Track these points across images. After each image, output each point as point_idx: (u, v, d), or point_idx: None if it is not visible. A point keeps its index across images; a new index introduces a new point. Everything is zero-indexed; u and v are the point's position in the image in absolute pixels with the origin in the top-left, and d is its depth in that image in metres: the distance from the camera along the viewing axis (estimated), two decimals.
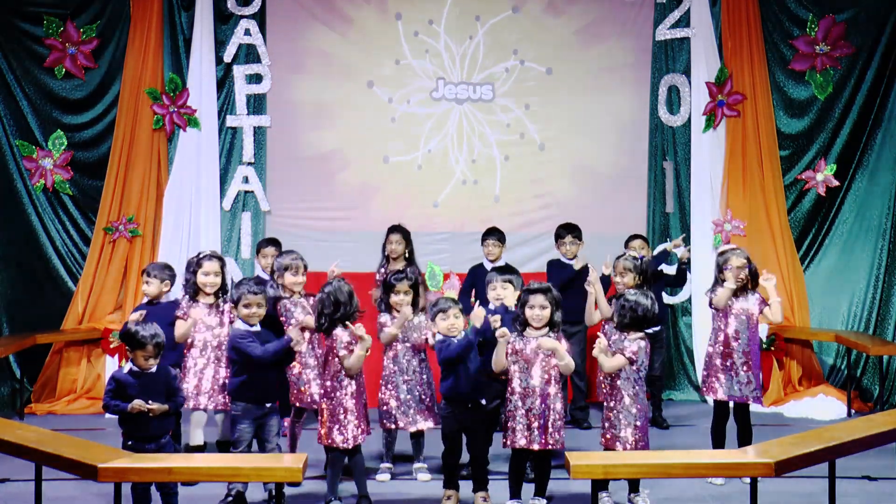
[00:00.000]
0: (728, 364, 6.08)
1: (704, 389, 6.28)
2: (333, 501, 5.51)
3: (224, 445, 6.43)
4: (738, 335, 6.08)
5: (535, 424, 5.36)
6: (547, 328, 5.46)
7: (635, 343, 5.37)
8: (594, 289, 6.32)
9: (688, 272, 8.29)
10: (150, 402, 4.96)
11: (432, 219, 8.81)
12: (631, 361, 5.33)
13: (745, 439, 6.10)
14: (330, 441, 5.50)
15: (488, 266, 7.42)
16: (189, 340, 6.29)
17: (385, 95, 8.87)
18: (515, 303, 5.76)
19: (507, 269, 6.32)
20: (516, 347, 5.45)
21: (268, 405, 5.55)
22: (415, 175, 8.90)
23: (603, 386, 5.55)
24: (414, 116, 8.89)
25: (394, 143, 8.89)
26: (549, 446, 5.38)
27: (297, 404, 6.24)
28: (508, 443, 5.44)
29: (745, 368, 6.07)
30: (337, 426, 5.47)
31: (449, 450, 5.62)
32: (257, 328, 5.60)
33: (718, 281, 6.20)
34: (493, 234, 7.73)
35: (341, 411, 5.48)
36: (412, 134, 8.89)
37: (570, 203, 8.82)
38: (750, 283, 6.13)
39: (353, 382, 5.52)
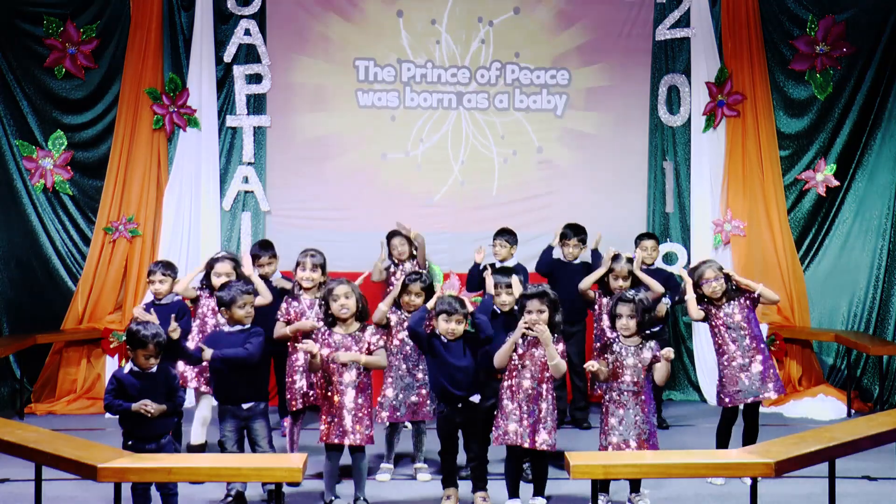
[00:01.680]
0: (740, 369, 6.05)
1: (724, 399, 6.11)
2: (334, 501, 5.51)
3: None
4: (736, 341, 6.06)
5: (525, 423, 5.35)
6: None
7: (657, 344, 5.43)
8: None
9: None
10: (149, 403, 4.96)
11: (432, 218, 8.80)
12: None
13: (750, 437, 6.10)
14: (328, 439, 5.50)
15: (497, 265, 7.46)
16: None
17: (385, 95, 8.87)
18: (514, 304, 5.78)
19: (506, 272, 6.32)
20: (516, 345, 5.44)
21: (246, 406, 5.50)
22: (415, 174, 8.91)
23: (611, 391, 5.46)
24: (414, 116, 8.89)
25: (394, 142, 8.90)
26: (538, 446, 5.37)
27: (292, 407, 6.23)
28: (497, 439, 5.43)
29: (754, 366, 6.03)
30: (335, 424, 5.48)
31: (445, 448, 5.62)
32: (246, 327, 5.59)
33: (700, 296, 6.15)
34: (503, 234, 7.70)
35: (339, 410, 5.48)
36: (413, 133, 8.89)
37: (570, 203, 8.81)
38: (726, 296, 6.09)
39: (352, 382, 5.52)
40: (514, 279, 6.00)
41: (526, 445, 5.37)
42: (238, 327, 5.58)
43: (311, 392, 6.13)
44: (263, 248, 7.19)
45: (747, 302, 6.11)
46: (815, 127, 8.90)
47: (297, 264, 6.33)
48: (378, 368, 5.71)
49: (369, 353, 5.57)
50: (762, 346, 6.11)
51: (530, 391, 5.38)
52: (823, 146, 8.88)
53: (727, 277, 6.11)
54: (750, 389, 6.03)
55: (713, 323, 6.14)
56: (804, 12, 8.82)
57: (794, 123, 8.92)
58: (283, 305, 6.27)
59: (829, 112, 8.86)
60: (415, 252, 7.65)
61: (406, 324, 5.85)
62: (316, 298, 6.24)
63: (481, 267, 7.39)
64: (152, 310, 6.20)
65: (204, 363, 5.67)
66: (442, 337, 5.54)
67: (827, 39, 8.76)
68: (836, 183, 8.82)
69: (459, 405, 5.52)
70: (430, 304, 5.59)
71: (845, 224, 8.85)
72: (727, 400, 6.09)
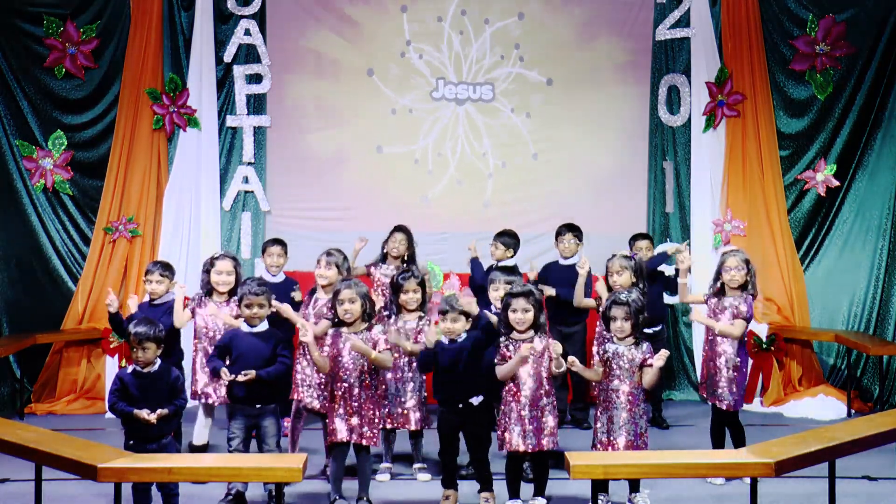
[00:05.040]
0: (711, 368, 6.10)
1: (702, 392, 6.34)
2: (338, 500, 5.51)
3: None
4: (721, 338, 6.07)
5: (529, 427, 5.35)
6: (532, 332, 5.45)
7: (649, 346, 5.45)
8: (584, 272, 6.75)
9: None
10: (149, 411, 4.96)
11: (432, 218, 8.81)
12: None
13: (737, 441, 6.10)
14: (335, 437, 5.50)
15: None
16: (199, 336, 6.36)
17: (385, 94, 8.89)
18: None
19: (511, 271, 6.33)
20: (507, 351, 5.44)
21: (258, 406, 5.51)
22: (415, 174, 8.92)
23: (603, 391, 5.47)
24: (414, 116, 8.90)
25: (394, 143, 8.90)
26: (543, 448, 5.38)
27: (296, 404, 6.24)
28: (504, 446, 5.44)
29: (724, 372, 6.04)
30: (343, 423, 5.48)
31: (445, 449, 5.60)
32: (261, 328, 5.59)
33: (717, 281, 6.18)
34: (500, 236, 7.70)
35: (340, 408, 5.49)
36: (412, 132, 8.90)
37: (571, 203, 8.82)
38: (750, 286, 6.11)
39: (358, 380, 5.52)
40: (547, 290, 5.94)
41: (530, 450, 5.37)
42: (251, 329, 5.58)
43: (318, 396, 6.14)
44: (276, 243, 7.23)
45: (736, 309, 6.08)
46: (815, 127, 8.90)
47: (318, 261, 6.34)
48: (383, 367, 5.71)
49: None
50: (739, 359, 6.06)
51: (532, 393, 5.38)
52: (823, 146, 8.88)
53: (750, 274, 6.08)
54: (709, 392, 6.11)
55: (709, 314, 6.16)
56: (804, 12, 8.82)
57: (794, 123, 8.92)
58: (309, 304, 6.31)
59: (829, 112, 8.86)
60: (406, 256, 7.41)
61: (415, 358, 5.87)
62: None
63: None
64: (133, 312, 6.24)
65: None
66: (442, 339, 5.54)
67: (827, 39, 8.76)
68: (836, 183, 8.81)
69: (460, 406, 5.51)
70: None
71: (845, 224, 8.85)
72: (704, 393, 6.22)
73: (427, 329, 5.81)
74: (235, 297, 6.29)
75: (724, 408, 6.06)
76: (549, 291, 7.22)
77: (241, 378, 5.38)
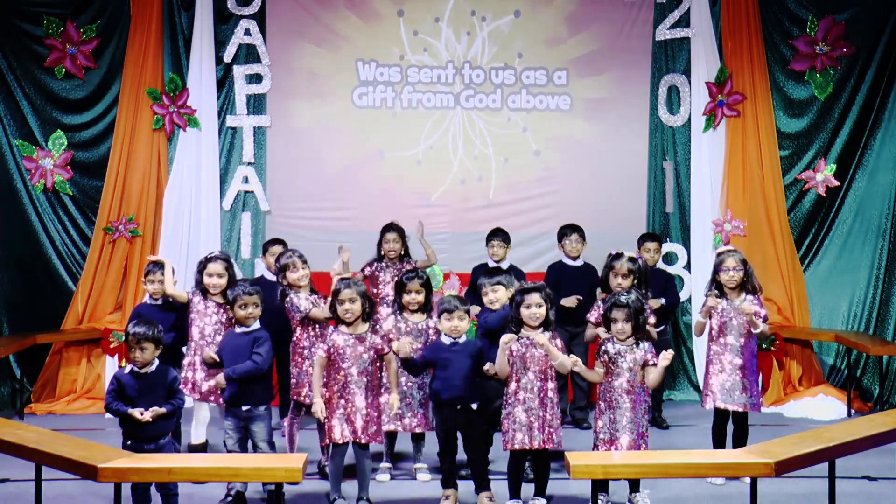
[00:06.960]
0: (723, 372, 6.06)
1: (702, 398, 6.24)
2: (338, 500, 5.51)
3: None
4: (729, 344, 6.06)
5: (535, 424, 5.35)
6: (541, 329, 5.45)
7: (651, 345, 5.45)
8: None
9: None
10: (144, 411, 4.96)
11: (432, 217, 8.79)
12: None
13: (740, 441, 6.09)
14: (336, 437, 5.50)
15: (492, 265, 7.44)
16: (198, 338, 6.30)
17: (386, 94, 8.88)
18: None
19: (495, 272, 6.33)
20: (513, 349, 5.43)
21: (245, 408, 5.52)
22: (415, 174, 8.92)
23: (604, 391, 5.46)
24: (415, 114, 8.90)
25: (393, 142, 8.90)
26: (547, 445, 5.38)
27: (295, 398, 6.22)
28: (508, 444, 5.43)
29: (740, 375, 6.04)
30: (335, 421, 5.48)
31: (444, 449, 5.61)
32: (255, 327, 5.60)
33: (714, 282, 6.18)
34: (499, 234, 7.72)
35: (340, 408, 5.49)
36: (412, 133, 8.90)
37: (570, 203, 8.81)
38: (749, 286, 6.11)
39: (359, 379, 5.52)
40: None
41: (535, 446, 5.37)
42: (242, 329, 5.59)
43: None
44: (277, 243, 7.24)
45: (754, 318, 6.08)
46: (815, 127, 8.89)
47: (286, 267, 6.24)
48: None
49: (378, 354, 5.58)
50: (752, 359, 6.07)
51: (537, 392, 5.38)
52: (823, 146, 8.88)
53: (748, 273, 6.08)
54: (724, 396, 6.04)
55: (712, 318, 6.14)
56: (804, 12, 8.82)
57: (794, 123, 8.92)
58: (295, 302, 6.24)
59: (829, 112, 8.86)
60: (402, 252, 7.46)
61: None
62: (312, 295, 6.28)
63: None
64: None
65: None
66: (444, 339, 5.55)
67: (827, 39, 8.76)
68: (836, 183, 8.81)
69: (458, 407, 5.52)
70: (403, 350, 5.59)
71: (845, 224, 8.85)
72: (707, 399, 6.13)
73: (400, 341, 5.65)
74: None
75: (750, 409, 6.03)
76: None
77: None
